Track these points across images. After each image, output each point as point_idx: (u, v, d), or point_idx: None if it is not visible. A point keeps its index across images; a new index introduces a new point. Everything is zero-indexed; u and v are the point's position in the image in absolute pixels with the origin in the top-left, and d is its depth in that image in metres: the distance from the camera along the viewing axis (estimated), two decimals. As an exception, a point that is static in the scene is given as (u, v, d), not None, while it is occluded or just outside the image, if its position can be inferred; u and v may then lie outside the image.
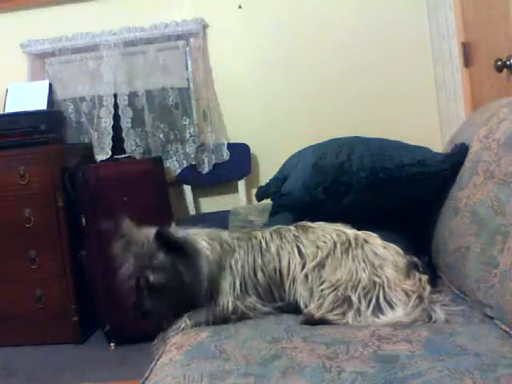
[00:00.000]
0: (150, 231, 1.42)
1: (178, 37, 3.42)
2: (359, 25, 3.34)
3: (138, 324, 2.84)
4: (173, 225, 1.49)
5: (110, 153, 3.40)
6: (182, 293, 1.38)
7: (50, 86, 3.41)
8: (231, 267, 1.44)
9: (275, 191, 1.80)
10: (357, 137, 1.81)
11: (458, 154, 1.61)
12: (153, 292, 1.36)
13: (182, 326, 1.38)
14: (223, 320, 1.38)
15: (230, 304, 1.39)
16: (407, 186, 1.64)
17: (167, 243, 1.38)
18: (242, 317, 1.39)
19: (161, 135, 3.46)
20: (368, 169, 1.63)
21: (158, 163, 3.07)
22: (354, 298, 1.32)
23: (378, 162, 1.64)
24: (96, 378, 2.54)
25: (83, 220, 2.93)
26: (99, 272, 2.89)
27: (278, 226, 1.53)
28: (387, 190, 1.65)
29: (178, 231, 1.45)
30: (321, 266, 1.41)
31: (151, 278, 1.35)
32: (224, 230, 1.58)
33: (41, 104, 3.31)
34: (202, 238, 1.47)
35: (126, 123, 3.43)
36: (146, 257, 1.38)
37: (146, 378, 1.14)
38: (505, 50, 2.18)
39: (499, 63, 2.16)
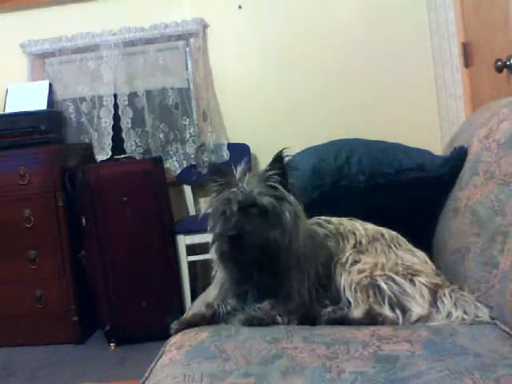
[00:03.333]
0: None
1: (178, 37, 3.43)
2: (359, 25, 3.34)
3: (137, 324, 2.87)
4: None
5: (110, 153, 3.41)
6: (276, 242, 1.27)
7: (50, 85, 3.42)
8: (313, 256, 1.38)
9: None
10: (356, 139, 1.80)
11: (457, 158, 1.61)
12: (253, 219, 1.27)
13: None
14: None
15: (302, 298, 1.32)
16: (406, 190, 1.64)
17: (282, 175, 1.31)
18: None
19: (161, 135, 3.47)
20: (367, 173, 1.63)
21: (158, 163, 3.07)
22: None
23: (377, 166, 1.64)
24: (96, 378, 2.54)
25: (83, 220, 2.93)
26: (99, 272, 2.89)
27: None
28: (386, 194, 1.65)
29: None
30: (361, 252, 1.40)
31: (258, 199, 1.27)
32: None
33: (41, 104, 3.32)
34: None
35: (125, 123, 3.44)
36: (259, 182, 1.32)
37: (146, 378, 1.14)
38: (505, 50, 2.18)
39: (499, 63, 2.16)
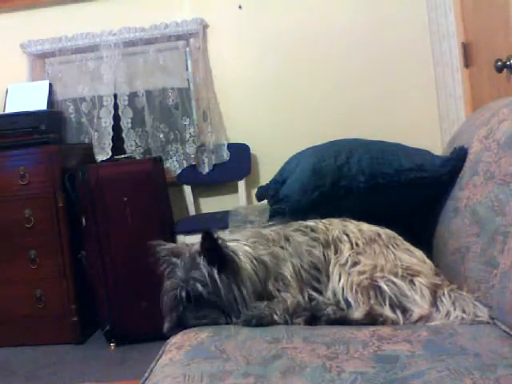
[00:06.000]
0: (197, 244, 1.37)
1: (178, 37, 3.43)
2: (359, 25, 3.34)
3: (137, 324, 2.87)
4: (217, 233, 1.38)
5: (110, 153, 3.41)
6: (220, 308, 1.32)
7: (50, 86, 3.42)
8: (288, 261, 1.38)
9: (273, 195, 1.79)
10: (356, 139, 1.80)
11: (457, 158, 1.61)
12: (195, 305, 1.31)
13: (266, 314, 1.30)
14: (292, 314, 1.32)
15: (295, 298, 1.33)
16: (406, 190, 1.64)
17: (211, 254, 1.32)
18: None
19: (161, 135, 3.47)
20: (367, 173, 1.63)
21: (158, 163, 3.07)
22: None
23: (377, 166, 1.64)
24: (96, 378, 2.54)
25: (83, 220, 2.93)
26: (99, 272, 2.89)
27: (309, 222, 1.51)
28: (386, 194, 1.65)
29: (222, 239, 1.36)
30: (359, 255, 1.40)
31: (199, 288, 1.30)
32: (264, 227, 1.51)
33: (41, 104, 3.32)
34: (244, 244, 1.39)
35: (126, 123, 3.44)
36: (191, 269, 1.33)
37: (146, 378, 1.14)
38: (505, 50, 2.18)
39: (499, 63, 2.16)
